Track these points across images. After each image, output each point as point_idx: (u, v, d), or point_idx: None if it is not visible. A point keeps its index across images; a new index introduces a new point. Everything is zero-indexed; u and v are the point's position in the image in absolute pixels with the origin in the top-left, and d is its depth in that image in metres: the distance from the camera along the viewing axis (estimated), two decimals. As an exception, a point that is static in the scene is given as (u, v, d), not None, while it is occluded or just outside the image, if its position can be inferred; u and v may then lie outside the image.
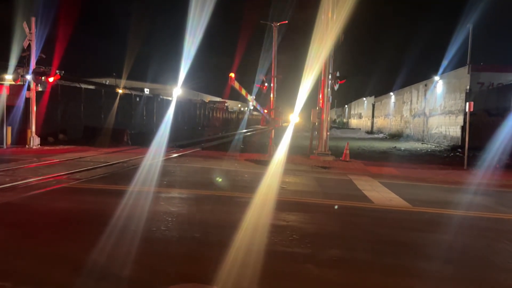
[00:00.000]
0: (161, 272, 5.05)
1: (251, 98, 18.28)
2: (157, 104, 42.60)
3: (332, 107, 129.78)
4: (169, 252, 5.78)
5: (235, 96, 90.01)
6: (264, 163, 16.53)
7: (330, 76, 18.90)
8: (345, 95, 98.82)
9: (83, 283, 4.66)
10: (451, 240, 6.99)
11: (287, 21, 18.65)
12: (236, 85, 16.92)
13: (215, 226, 7.13)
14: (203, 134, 40.08)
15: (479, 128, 25.96)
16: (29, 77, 20.05)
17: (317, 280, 4.99)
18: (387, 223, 8.02)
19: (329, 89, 18.94)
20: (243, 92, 17.50)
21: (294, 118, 22.14)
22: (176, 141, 25.80)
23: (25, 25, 19.28)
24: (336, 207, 9.13)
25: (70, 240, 6.16)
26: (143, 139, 25.09)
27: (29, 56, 20.19)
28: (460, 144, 28.61)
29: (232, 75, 16.41)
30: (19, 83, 21.49)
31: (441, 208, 9.44)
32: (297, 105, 19.12)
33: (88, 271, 4.97)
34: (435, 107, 37.08)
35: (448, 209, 9.39)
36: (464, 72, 30.80)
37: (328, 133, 19.41)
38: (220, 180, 12.37)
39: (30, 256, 5.46)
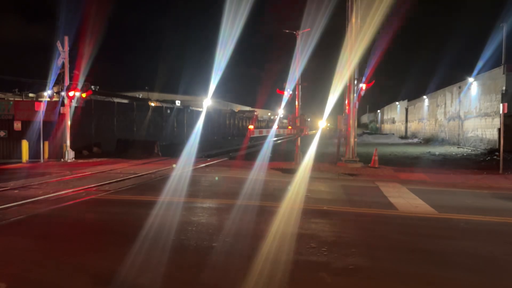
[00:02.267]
0: (178, 280, 5.15)
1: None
2: (187, 116, 43.35)
3: (364, 112, 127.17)
4: (188, 261, 5.88)
5: (265, 105, 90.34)
6: (290, 171, 16.50)
7: (355, 82, 18.70)
8: (378, 100, 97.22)
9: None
10: (475, 247, 6.74)
11: (309, 29, 18.63)
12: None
13: (239, 235, 7.18)
14: (232, 143, 40.39)
15: (517, 130, 24.84)
16: (63, 93, 20.98)
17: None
18: (410, 230, 7.83)
19: (355, 95, 18.73)
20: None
21: (322, 124, 22.09)
22: (205, 151, 26.17)
23: (58, 44, 20.17)
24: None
25: (92, 250, 6.38)
26: (174, 150, 25.56)
27: (63, 73, 21.11)
28: (497, 147, 27.49)
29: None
30: (54, 99, 22.49)
31: (469, 214, 9.11)
32: (326, 111, 19.08)
33: (106, 280, 5.14)
34: (470, 110, 35.88)
35: (476, 215, 9.05)
36: (499, 73, 29.69)
37: (355, 140, 19.15)
38: (245, 189, 12.43)
39: (53, 265, 5.69)
